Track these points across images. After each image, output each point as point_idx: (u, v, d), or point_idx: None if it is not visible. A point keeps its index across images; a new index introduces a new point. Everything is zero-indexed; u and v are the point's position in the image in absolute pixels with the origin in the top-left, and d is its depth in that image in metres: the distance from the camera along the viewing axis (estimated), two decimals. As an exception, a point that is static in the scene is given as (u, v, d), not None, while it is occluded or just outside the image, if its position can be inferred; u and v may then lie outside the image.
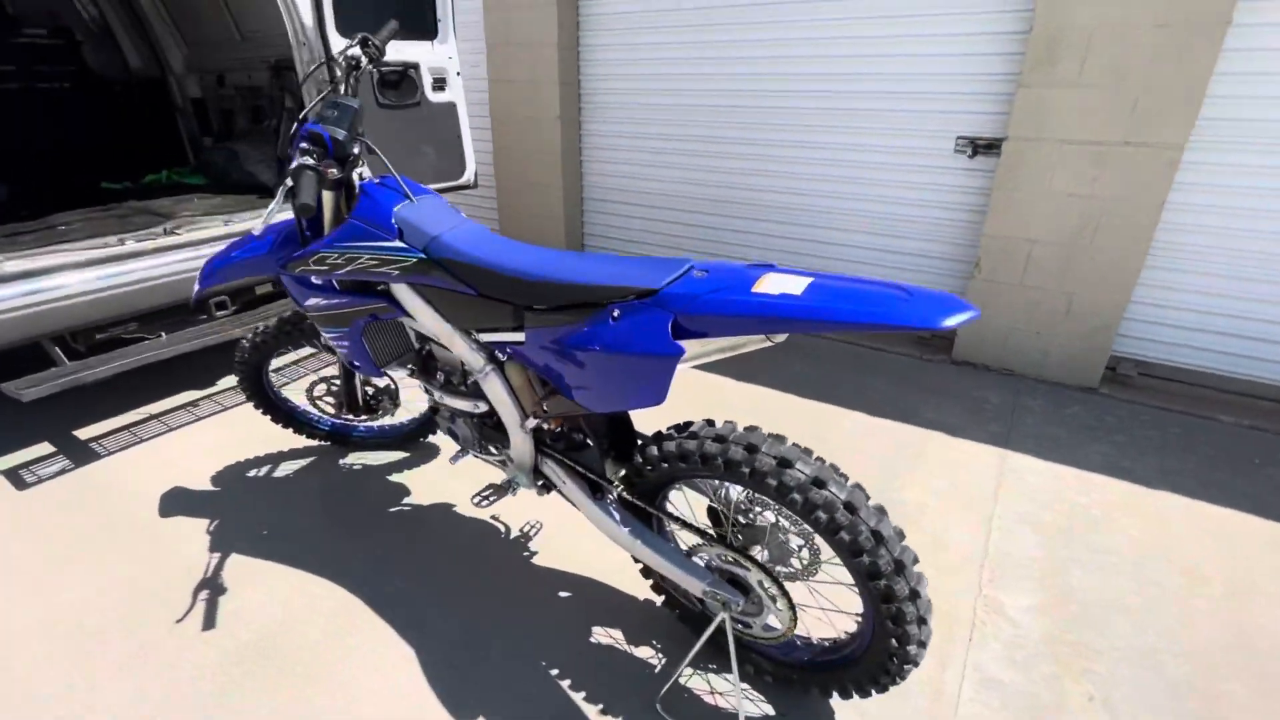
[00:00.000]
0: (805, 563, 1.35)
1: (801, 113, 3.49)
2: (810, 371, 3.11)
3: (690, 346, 1.14)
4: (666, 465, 1.35)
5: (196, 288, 1.86)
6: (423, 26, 3.24)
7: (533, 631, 1.69)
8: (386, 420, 2.32)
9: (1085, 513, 2.13)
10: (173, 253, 2.65)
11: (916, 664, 1.27)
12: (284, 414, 2.35)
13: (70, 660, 1.62)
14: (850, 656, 1.38)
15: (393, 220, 1.49)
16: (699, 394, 2.89)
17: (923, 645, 1.25)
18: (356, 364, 1.76)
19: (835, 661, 1.40)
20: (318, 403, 2.24)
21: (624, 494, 1.46)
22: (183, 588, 1.83)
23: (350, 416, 2.21)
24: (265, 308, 2.98)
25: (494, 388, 1.50)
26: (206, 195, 3.51)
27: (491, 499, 1.67)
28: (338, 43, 2.88)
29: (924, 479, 2.30)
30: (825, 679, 1.40)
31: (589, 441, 1.51)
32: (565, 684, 1.55)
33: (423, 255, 1.44)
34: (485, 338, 1.46)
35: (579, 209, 4.51)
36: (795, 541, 1.36)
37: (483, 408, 1.61)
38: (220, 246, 2.75)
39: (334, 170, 1.48)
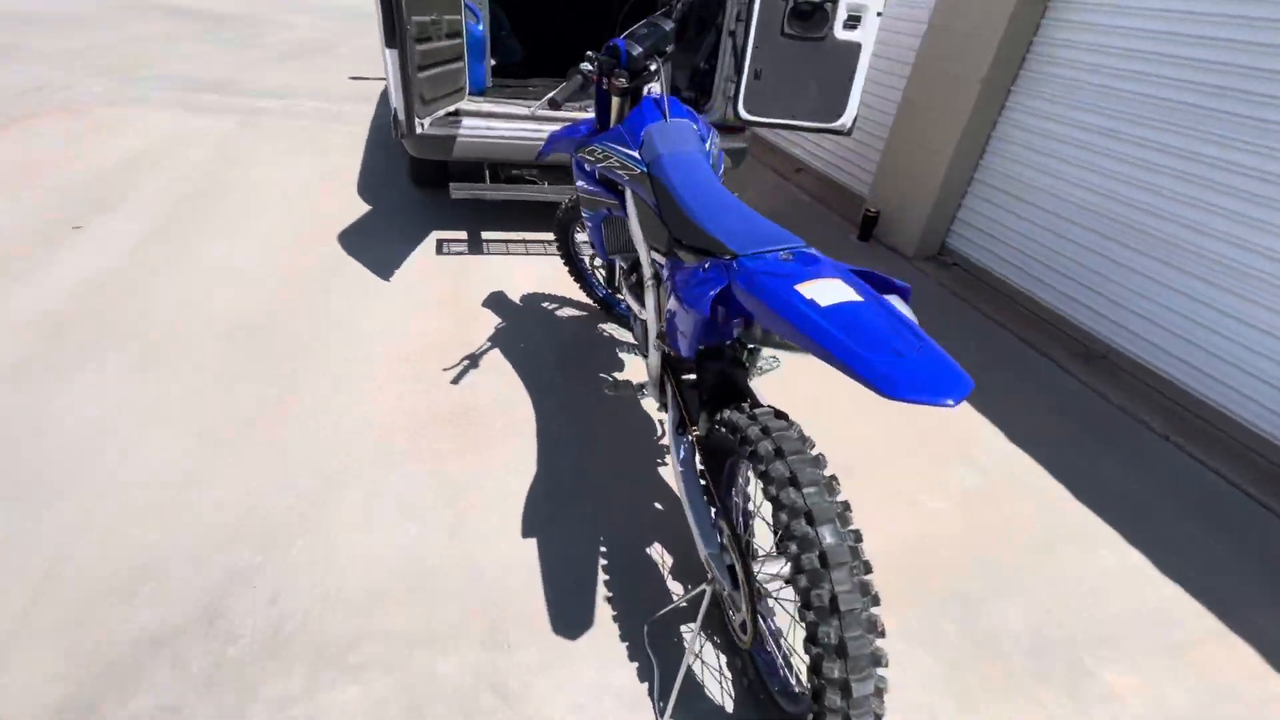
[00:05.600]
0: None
1: None
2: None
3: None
4: (724, 431, 1.36)
5: (542, 151, 2.41)
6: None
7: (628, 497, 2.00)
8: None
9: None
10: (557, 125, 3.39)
11: None
12: (577, 271, 2.91)
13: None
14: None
15: (642, 133, 1.70)
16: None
17: None
18: (594, 244, 2.11)
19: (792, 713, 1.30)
20: (596, 271, 2.73)
21: (697, 437, 1.52)
22: (464, 347, 2.68)
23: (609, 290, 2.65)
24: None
25: (649, 300, 1.68)
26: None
27: (616, 390, 1.90)
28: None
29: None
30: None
31: (696, 382, 1.59)
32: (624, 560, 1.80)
33: (645, 168, 1.63)
34: (655, 256, 1.63)
35: (959, 190, 3.92)
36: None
37: (645, 316, 1.81)
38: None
39: (622, 80, 1.73)
